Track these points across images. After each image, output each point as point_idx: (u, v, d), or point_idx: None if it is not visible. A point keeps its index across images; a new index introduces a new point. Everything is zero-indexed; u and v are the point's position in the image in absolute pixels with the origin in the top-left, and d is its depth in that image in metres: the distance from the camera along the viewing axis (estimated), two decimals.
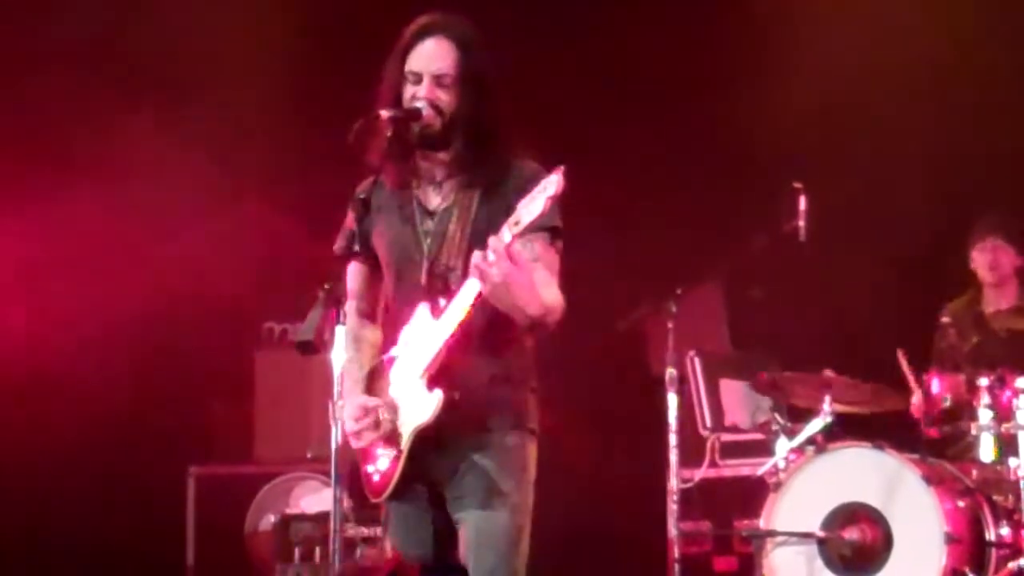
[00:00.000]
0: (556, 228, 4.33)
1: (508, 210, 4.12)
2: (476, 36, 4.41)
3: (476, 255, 4.08)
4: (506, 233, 4.06)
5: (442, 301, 4.27)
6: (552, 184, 4.03)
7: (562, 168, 4.05)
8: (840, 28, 8.22)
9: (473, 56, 4.36)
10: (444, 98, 4.34)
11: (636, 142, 8.40)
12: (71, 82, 8.22)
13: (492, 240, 4.06)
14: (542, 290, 4.22)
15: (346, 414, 4.32)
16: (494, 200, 4.32)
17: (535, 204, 4.03)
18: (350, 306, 4.48)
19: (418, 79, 4.34)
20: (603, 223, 7.57)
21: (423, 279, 4.36)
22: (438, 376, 4.25)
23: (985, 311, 7.38)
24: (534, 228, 4.13)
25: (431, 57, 4.35)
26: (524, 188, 4.17)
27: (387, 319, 4.48)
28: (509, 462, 4.33)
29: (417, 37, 4.37)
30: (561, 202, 4.12)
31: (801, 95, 8.29)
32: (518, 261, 4.07)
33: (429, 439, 4.28)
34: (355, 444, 4.37)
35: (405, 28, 4.41)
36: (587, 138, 8.04)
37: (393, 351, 4.40)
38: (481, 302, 4.15)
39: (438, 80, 4.33)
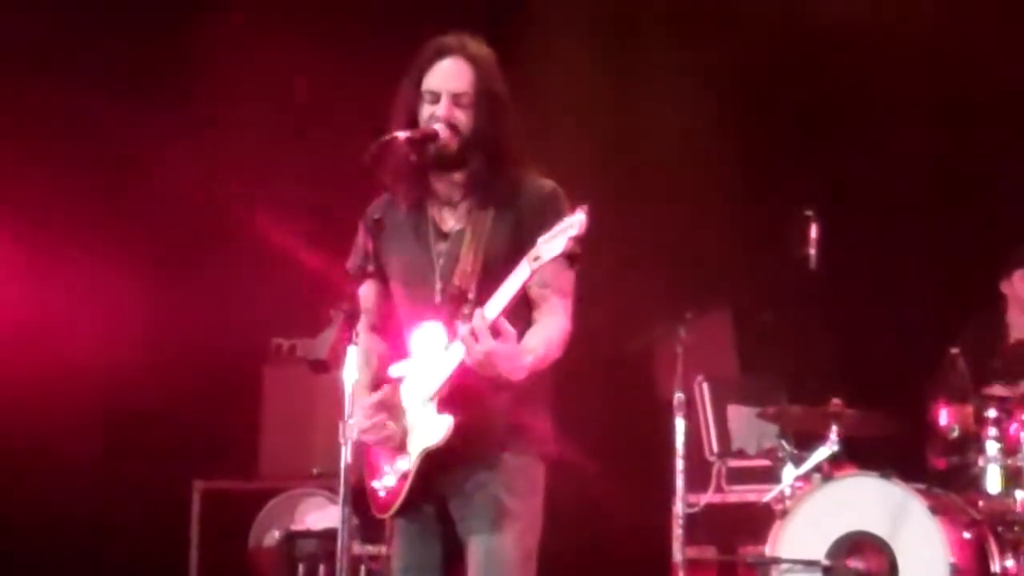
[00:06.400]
0: (573, 254, 4.33)
1: (519, 228, 4.15)
2: (491, 56, 4.44)
3: (462, 329, 4.11)
4: (489, 310, 4.10)
5: (458, 325, 4.26)
6: (575, 225, 4.06)
7: (586, 207, 4.07)
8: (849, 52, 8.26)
9: (489, 75, 4.38)
10: (461, 118, 4.35)
11: (648, 166, 8.41)
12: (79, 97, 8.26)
13: (476, 318, 4.10)
14: (531, 343, 4.25)
15: (357, 413, 4.31)
16: (506, 220, 4.34)
17: (556, 242, 4.07)
18: (363, 323, 4.45)
19: (435, 98, 4.36)
20: (614, 247, 7.56)
21: (436, 300, 4.37)
22: (449, 399, 4.25)
23: (1011, 338, 7.40)
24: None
25: (449, 76, 4.36)
26: (537, 208, 4.21)
27: (398, 338, 4.49)
28: (519, 484, 4.34)
29: (434, 56, 4.39)
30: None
31: (812, 120, 8.32)
32: (502, 333, 4.11)
33: (440, 459, 4.28)
34: (365, 439, 4.37)
35: (420, 48, 4.42)
36: (596, 161, 8.04)
37: (402, 367, 4.40)
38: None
39: (456, 99, 4.35)
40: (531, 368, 4.23)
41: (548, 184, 4.39)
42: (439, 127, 4.32)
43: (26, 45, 8.30)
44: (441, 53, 4.40)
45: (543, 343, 4.28)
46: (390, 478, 4.38)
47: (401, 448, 4.34)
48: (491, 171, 4.36)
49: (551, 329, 4.30)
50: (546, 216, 4.21)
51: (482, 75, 4.37)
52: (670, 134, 8.38)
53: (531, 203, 4.30)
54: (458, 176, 4.41)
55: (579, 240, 4.12)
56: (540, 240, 4.10)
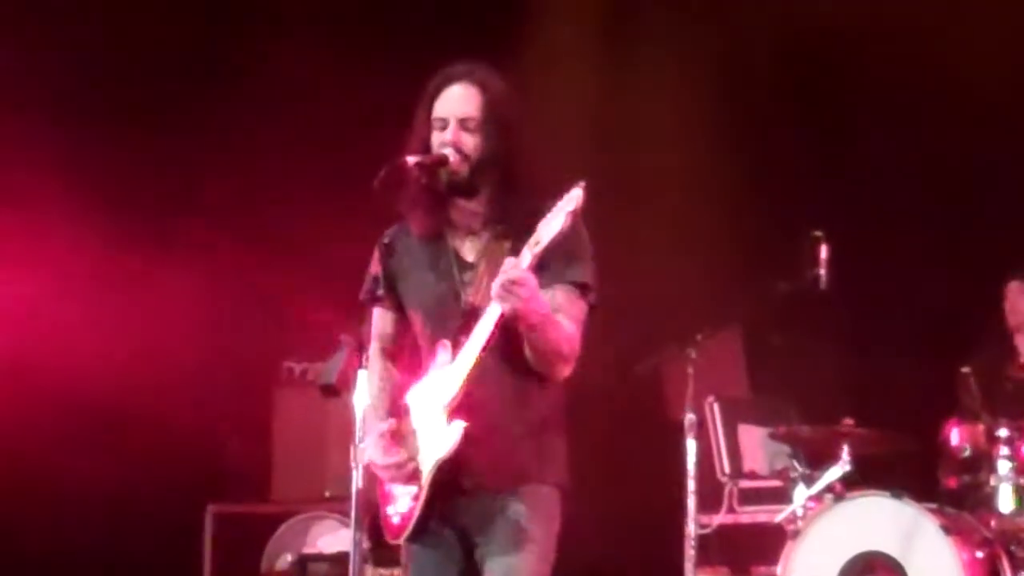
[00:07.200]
0: (584, 284, 4.33)
1: (538, 259, 4.14)
2: (500, 81, 4.44)
3: (496, 281, 4.11)
4: (525, 256, 4.10)
5: (463, 338, 4.28)
6: (572, 199, 4.08)
7: (583, 183, 4.09)
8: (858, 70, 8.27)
9: (497, 100, 4.39)
10: (470, 142, 4.35)
11: (657, 186, 8.42)
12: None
13: (508, 261, 4.11)
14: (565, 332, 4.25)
15: (370, 443, 4.31)
16: (523, 245, 4.33)
17: (555, 222, 4.08)
18: (374, 348, 4.48)
19: (444, 124, 4.36)
20: (624, 268, 7.59)
21: (459, 328, 4.35)
22: (459, 409, 4.25)
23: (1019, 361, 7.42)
24: (561, 280, 4.23)
25: (456, 101, 4.37)
26: (559, 241, 4.18)
27: (413, 365, 4.48)
28: (539, 510, 4.33)
29: (442, 84, 4.40)
30: (593, 261, 4.26)
31: (824, 141, 8.34)
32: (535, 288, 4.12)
33: (459, 485, 4.28)
34: (379, 473, 4.37)
35: (431, 77, 4.44)
36: (607, 184, 8.05)
37: (414, 394, 4.41)
38: (504, 329, 4.17)
39: (463, 124, 4.35)
40: (547, 317, 4.18)
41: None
42: (448, 151, 4.33)
43: (71, 78, 8.35)
44: (449, 80, 4.41)
45: (560, 319, 4.25)
46: (403, 501, 4.36)
47: (414, 475, 4.34)
48: (505, 198, 4.35)
49: (566, 323, 4.30)
50: (565, 248, 4.21)
51: (490, 99, 4.37)
52: (679, 154, 8.40)
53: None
54: (475, 205, 4.40)
55: (590, 272, 4.18)
56: (540, 224, 4.12)
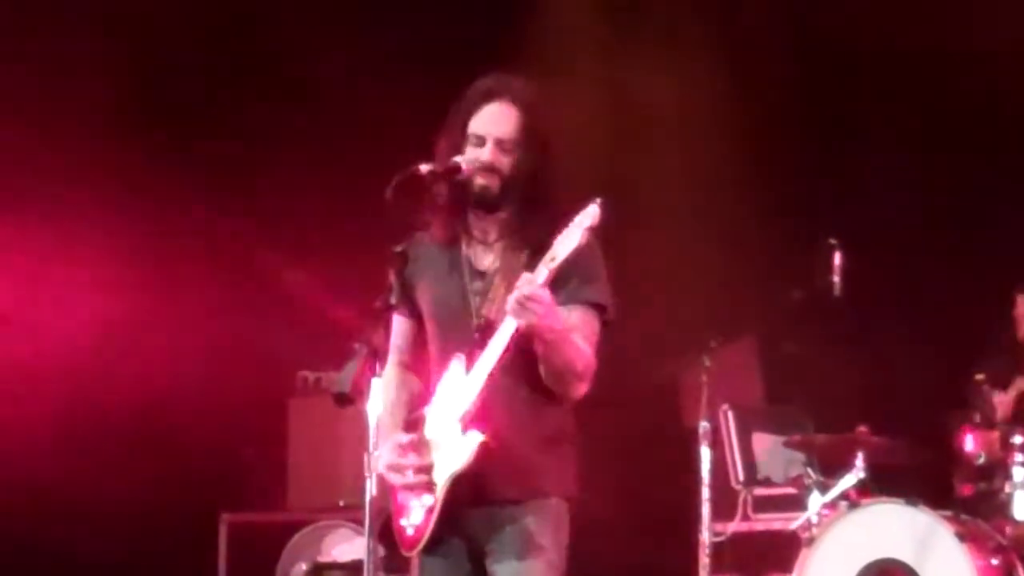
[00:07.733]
0: (600, 305, 4.33)
1: (553, 274, 4.15)
2: (539, 100, 4.42)
3: (512, 297, 4.11)
4: (541, 272, 4.10)
5: (477, 351, 4.28)
6: (589, 216, 4.08)
7: (599, 200, 4.08)
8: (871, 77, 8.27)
9: (535, 119, 4.37)
10: (505, 161, 4.34)
11: (670, 194, 8.43)
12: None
13: (524, 277, 4.10)
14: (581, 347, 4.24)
15: (385, 451, 4.31)
16: (538, 263, 4.33)
17: (571, 238, 4.08)
18: (391, 358, 4.47)
19: (481, 142, 4.35)
20: (638, 276, 7.60)
21: (469, 338, 4.35)
22: (474, 421, 4.25)
23: None
24: (577, 300, 4.23)
25: (495, 121, 4.35)
26: (573, 259, 4.19)
27: (429, 374, 4.48)
28: (548, 520, 4.33)
29: (481, 99, 4.38)
30: (608, 279, 4.27)
31: (838, 148, 8.34)
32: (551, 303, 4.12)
33: (470, 495, 4.28)
34: (391, 480, 4.36)
35: (469, 88, 4.42)
36: (620, 191, 8.05)
37: (427, 407, 4.40)
38: (519, 344, 4.17)
39: (500, 144, 4.34)
40: (562, 334, 4.18)
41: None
42: (461, 160, 4.32)
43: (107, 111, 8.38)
44: (488, 97, 4.38)
45: (575, 337, 4.25)
46: (417, 514, 4.36)
47: (428, 486, 4.34)
48: (529, 212, 4.35)
49: (581, 342, 4.30)
50: (580, 267, 4.23)
51: (528, 118, 4.36)
52: (693, 163, 8.40)
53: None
54: (494, 216, 4.41)
55: (606, 292, 4.19)
56: (556, 240, 4.12)
